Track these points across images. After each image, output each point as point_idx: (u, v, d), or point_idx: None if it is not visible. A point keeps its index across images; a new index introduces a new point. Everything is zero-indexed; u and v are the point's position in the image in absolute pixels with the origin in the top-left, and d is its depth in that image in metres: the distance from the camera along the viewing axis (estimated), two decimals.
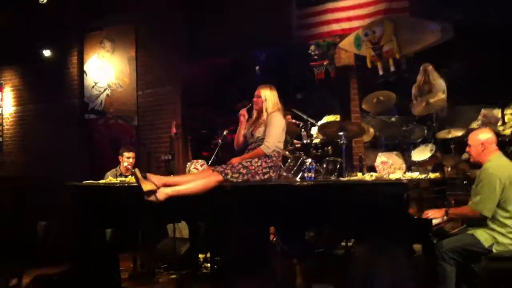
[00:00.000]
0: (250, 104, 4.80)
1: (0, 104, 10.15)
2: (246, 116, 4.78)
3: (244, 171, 4.31)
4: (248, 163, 4.36)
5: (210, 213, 4.33)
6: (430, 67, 6.58)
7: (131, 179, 5.24)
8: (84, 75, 9.05)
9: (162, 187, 4.08)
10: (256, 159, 4.41)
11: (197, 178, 4.25)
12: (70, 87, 9.17)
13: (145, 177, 4.07)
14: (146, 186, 4.03)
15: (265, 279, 2.13)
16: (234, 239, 2.23)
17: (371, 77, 7.23)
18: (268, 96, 4.64)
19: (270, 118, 4.55)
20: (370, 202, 3.67)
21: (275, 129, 4.50)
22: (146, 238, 5.77)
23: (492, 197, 3.77)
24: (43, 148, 9.28)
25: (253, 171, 4.34)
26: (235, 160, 4.42)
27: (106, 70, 8.77)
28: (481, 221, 3.86)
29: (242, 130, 4.77)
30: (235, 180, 4.25)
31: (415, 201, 4.14)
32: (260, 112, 4.67)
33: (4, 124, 10.05)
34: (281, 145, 4.62)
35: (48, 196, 8.25)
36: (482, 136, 4.04)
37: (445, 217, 3.92)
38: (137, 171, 4.08)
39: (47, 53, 9.16)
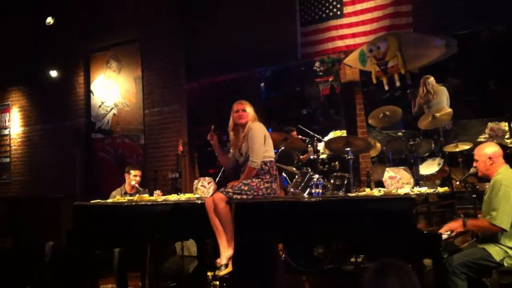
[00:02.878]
0: (213, 126, 4.75)
1: (7, 125, 10.22)
2: (215, 137, 4.74)
3: (246, 188, 4.32)
4: (249, 180, 4.38)
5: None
6: (430, 79, 6.62)
7: (139, 197, 5.26)
8: (91, 94, 9.12)
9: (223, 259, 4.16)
10: (255, 177, 4.42)
11: (215, 218, 4.25)
12: (77, 107, 9.24)
13: (225, 265, 4.14)
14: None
15: None
16: (242, 256, 2.23)
17: (376, 92, 7.26)
18: (251, 109, 4.61)
19: (248, 132, 4.49)
20: (379, 217, 3.66)
21: (255, 141, 4.43)
22: (154, 256, 5.74)
23: (509, 210, 3.75)
24: (50, 167, 9.32)
25: (255, 187, 4.36)
26: (231, 184, 4.45)
27: (112, 89, 8.83)
28: (491, 235, 3.83)
29: (220, 151, 4.77)
30: (239, 197, 4.27)
31: (425, 215, 4.13)
32: (243, 126, 4.58)
33: (12, 144, 10.11)
34: (270, 153, 4.54)
35: (54, 215, 8.26)
36: (488, 150, 4.03)
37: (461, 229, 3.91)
38: (223, 272, 4.13)
39: (54, 73, 9.25)
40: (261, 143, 4.45)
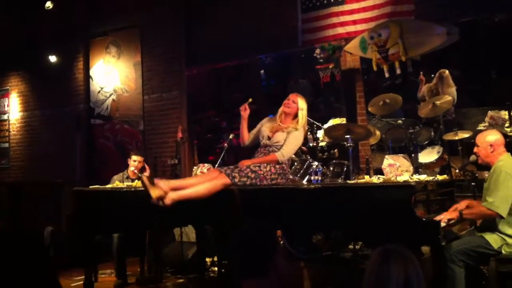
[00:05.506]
0: (250, 100, 4.83)
1: (7, 110, 10.20)
2: (248, 111, 4.78)
3: (253, 175, 4.29)
4: (257, 167, 4.34)
5: (217, 216, 4.33)
6: (445, 73, 6.58)
7: (137, 183, 5.26)
8: (90, 80, 9.08)
9: (170, 191, 4.06)
10: (265, 164, 4.39)
11: (204, 180, 4.22)
12: (76, 93, 9.21)
13: (152, 183, 4.04)
14: (155, 192, 4.00)
15: (272, 282, 2.13)
16: (240, 242, 2.24)
17: (377, 80, 7.23)
18: (305, 108, 4.65)
19: (296, 132, 4.53)
20: (378, 205, 3.66)
21: (295, 142, 4.51)
22: (153, 242, 5.77)
23: (507, 197, 3.74)
24: (49, 153, 9.32)
25: (261, 175, 4.32)
26: (245, 162, 4.40)
27: (112, 75, 8.80)
28: (490, 223, 3.83)
29: (245, 126, 4.79)
30: (242, 183, 4.24)
31: (423, 203, 4.13)
32: (286, 117, 4.64)
33: (11, 130, 10.10)
34: (292, 154, 4.67)
35: (53, 200, 8.27)
36: (491, 138, 4.01)
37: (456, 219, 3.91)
38: (144, 177, 4.05)
39: (53, 58, 9.21)
40: (296, 147, 4.58)
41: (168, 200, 4.03)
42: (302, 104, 4.63)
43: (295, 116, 4.61)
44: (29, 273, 2.18)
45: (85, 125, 9.05)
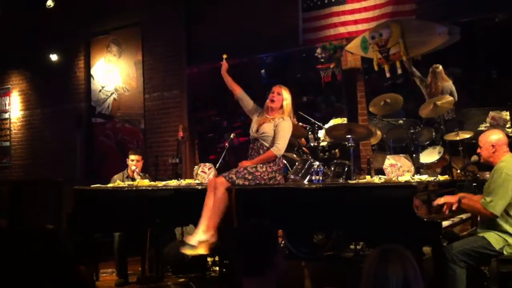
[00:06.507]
0: (226, 56, 5.09)
1: (8, 108, 10.21)
2: (226, 65, 5.03)
3: (250, 177, 4.35)
4: (254, 169, 4.40)
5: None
6: (439, 69, 6.58)
7: (139, 182, 5.27)
8: (91, 79, 9.08)
9: (207, 237, 4.17)
10: (261, 165, 4.43)
11: (212, 196, 4.27)
12: (77, 91, 9.21)
13: (192, 247, 4.18)
14: (204, 251, 4.19)
15: (273, 281, 2.13)
16: (241, 241, 2.25)
17: (378, 79, 7.23)
18: (289, 99, 4.67)
19: (284, 122, 4.56)
20: (379, 205, 3.67)
21: (285, 134, 4.53)
22: (154, 241, 5.78)
23: (504, 198, 3.74)
24: (50, 151, 9.33)
25: (258, 176, 4.39)
26: (244, 163, 4.44)
27: (113, 74, 8.79)
28: (492, 223, 3.83)
29: (228, 77, 5.04)
30: (241, 182, 4.29)
31: (425, 203, 4.13)
32: (273, 109, 4.65)
33: (12, 128, 10.11)
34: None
35: (54, 199, 8.27)
36: (493, 138, 4.01)
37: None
38: (187, 251, 4.22)
39: (54, 57, 9.20)
40: (288, 135, 4.57)
41: (212, 246, 4.22)
42: (286, 94, 4.67)
43: (281, 107, 4.65)
44: (47, 270, 2.20)
45: (85, 123, 9.05)
